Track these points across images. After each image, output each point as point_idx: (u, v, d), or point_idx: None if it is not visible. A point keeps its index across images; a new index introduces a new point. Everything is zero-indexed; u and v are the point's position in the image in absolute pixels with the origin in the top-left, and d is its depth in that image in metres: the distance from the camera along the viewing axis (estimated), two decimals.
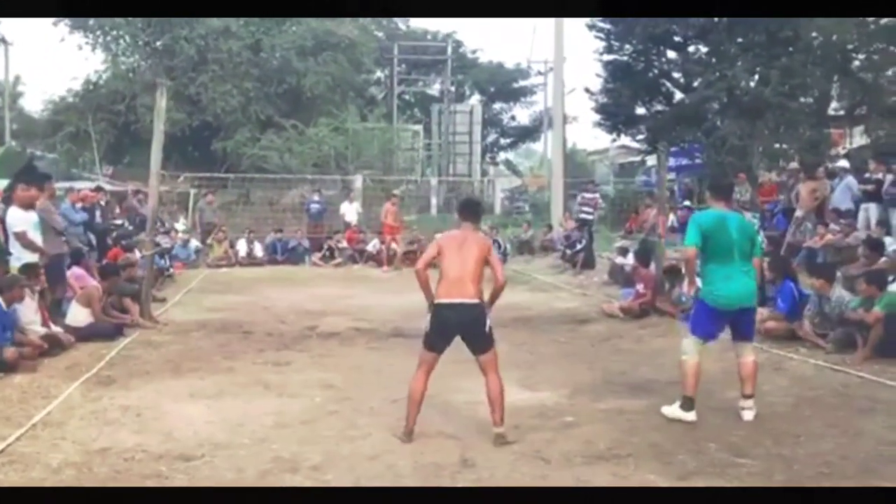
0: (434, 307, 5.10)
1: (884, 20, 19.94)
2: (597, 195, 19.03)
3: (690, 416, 5.44)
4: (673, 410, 5.51)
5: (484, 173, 33.18)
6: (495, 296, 5.18)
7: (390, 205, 17.76)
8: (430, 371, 5.15)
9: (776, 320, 8.23)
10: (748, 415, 5.51)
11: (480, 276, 5.11)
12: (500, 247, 18.33)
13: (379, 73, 34.10)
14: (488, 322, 5.07)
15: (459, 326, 5.04)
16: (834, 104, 22.68)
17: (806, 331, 7.90)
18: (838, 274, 8.52)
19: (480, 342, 5.07)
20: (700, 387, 6.11)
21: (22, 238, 8.15)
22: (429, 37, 35.12)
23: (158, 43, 24.11)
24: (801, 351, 7.65)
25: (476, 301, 5.04)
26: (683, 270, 8.25)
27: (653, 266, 10.71)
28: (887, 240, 10.64)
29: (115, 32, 24.53)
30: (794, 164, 16.63)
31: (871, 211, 12.24)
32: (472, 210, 5.49)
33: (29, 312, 7.57)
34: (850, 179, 13.00)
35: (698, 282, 5.67)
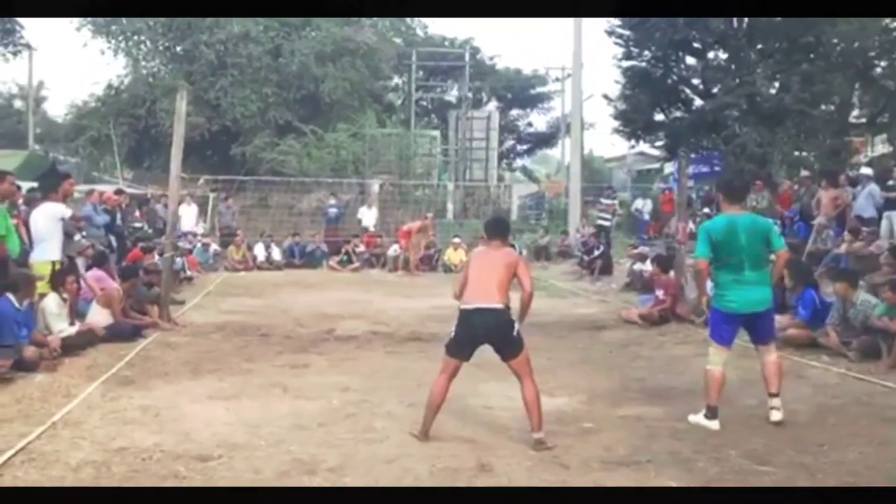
0: (460, 313, 5.08)
1: None
2: (615, 201, 18.99)
3: (714, 424, 5.40)
4: (698, 419, 5.49)
5: (500, 179, 33.13)
6: (524, 306, 5.15)
7: (421, 223, 18.06)
8: (453, 377, 5.12)
9: (798, 328, 8.14)
10: (776, 415, 5.47)
11: (507, 285, 5.08)
12: (517, 252, 18.32)
13: (397, 80, 34.18)
14: (516, 326, 5.04)
15: (486, 332, 5.00)
16: (855, 112, 22.47)
17: (832, 339, 7.75)
18: (861, 281, 8.41)
19: (509, 347, 5.03)
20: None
21: (70, 222, 8.60)
22: (446, 43, 35.15)
23: (179, 48, 24.34)
24: (823, 359, 7.55)
25: (502, 306, 5.00)
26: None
27: (672, 273, 10.63)
28: None
29: (136, 38, 24.80)
30: (805, 172, 16.51)
31: (893, 219, 12.09)
32: (499, 228, 5.50)
33: (55, 311, 7.67)
34: (873, 187, 12.84)
35: (709, 291, 5.67)
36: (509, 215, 26.42)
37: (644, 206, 21.59)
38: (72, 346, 7.52)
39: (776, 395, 5.52)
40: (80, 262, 9.37)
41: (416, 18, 27.38)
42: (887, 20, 19.42)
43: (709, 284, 5.81)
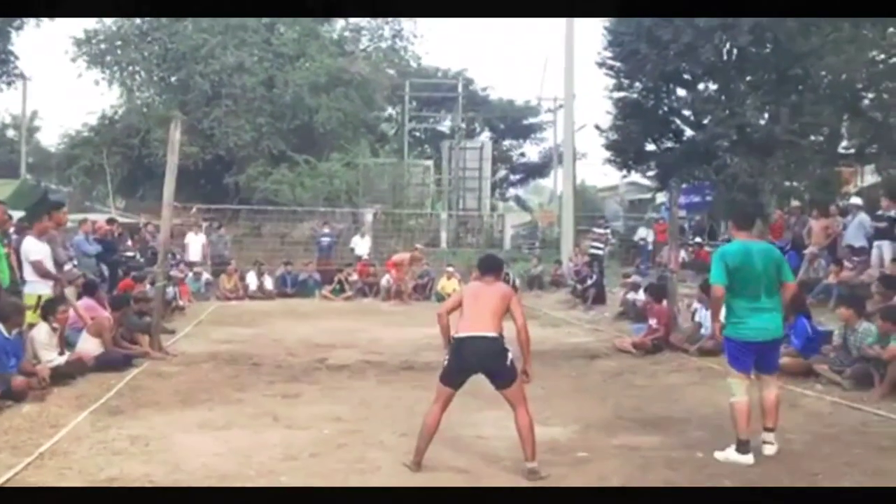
0: (453, 341, 5.07)
1: (893, 59, 20.08)
2: (607, 231, 19.07)
3: (747, 458, 5.22)
4: (728, 455, 5.31)
5: (493, 208, 33.26)
6: (522, 342, 5.10)
7: (410, 255, 18.08)
8: (446, 406, 5.09)
9: (791, 357, 8.13)
10: (769, 449, 5.41)
11: (501, 316, 5.09)
12: (510, 281, 18.31)
13: (390, 110, 34.43)
14: (510, 356, 5.01)
15: (478, 361, 4.98)
16: (844, 142, 22.70)
17: (823, 367, 7.78)
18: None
19: (502, 376, 5.00)
20: (712, 423, 6.04)
21: (39, 267, 8.22)
22: (440, 74, 35.49)
23: (173, 78, 24.53)
24: (817, 388, 7.54)
25: (495, 335, 4.99)
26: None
27: (665, 302, 10.63)
28: None
29: (131, 68, 24.98)
30: (795, 203, 16.64)
31: (884, 248, 12.16)
32: (492, 264, 5.53)
33: (45, 341, 7.60)
34: (864, 217, 12.93)
35: (723, 318, 5.58)
36: (502, 244, 26.49)
37: (647, 235, 21.64)
38: (61, 376, 7.44)
39: (772, 430, 5.47)
40: (71, 292, 9.31)
41: (409, 48, 27.60)
42: (874, 52, 19.72)
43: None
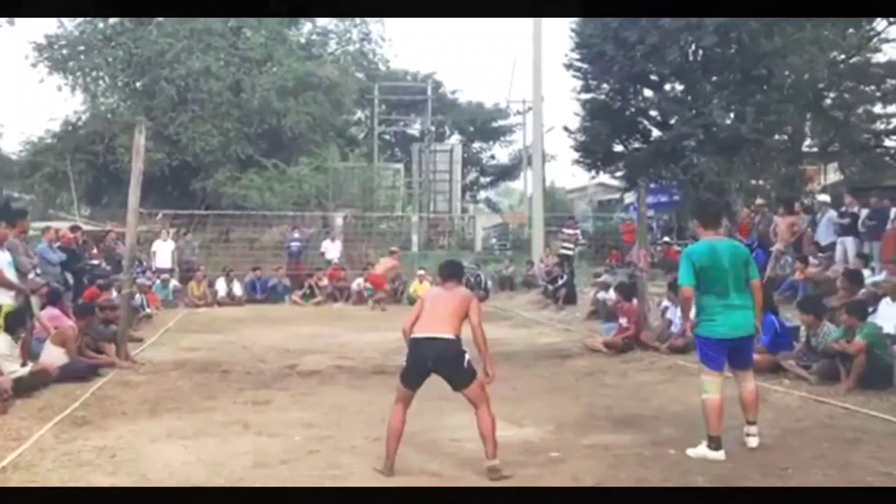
0: (410, 342, 5.11)
1: (852, 59, 20.51)
2: (577, 231, 19.18)
3: (719, 455, 5.26)
4: (699, 451, 5.35)
5: (464, 210, 33.32)
6: (478, 341, 5.08)
7: (391, 263, 17.63)
8: (407, 406, 5.12)
9: (759, 353, 8.20)
10: (753, 441, 5.49)
11: (459, 319, 5.09)
12: (481, 282, 18.36)
13: (360, 114, 34.30)
14: (467, 357, 5.02)
15: (434, 362, 4.99)
16: (808, 141, 23.12)
17: (790, 363, 7.90)
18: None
19: (459, 377, 5.01)
20: (684, 420, 6.08)
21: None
22: (409, 77, 35.48)
23: (138, 84, 24.14)
24: (785, 383, 7.64)
25: (451, 336, 5.00)
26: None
27: (635, 300, 10.71)
28: (865, 272, 10.74)
29: (94, 73, 24.55)
30: (760, 200, 16.88)
31: (847, 244, 12.39)
32: (453, 270, 5.54)
33: (6, 352, 7.42)
34: (832, 213, 13.15)
35: (693, 317, 5.60)
36: (474, 246, 26.52)
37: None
38: (24, 388, 7.26)
39: (754, 423, 5.54)
40: (35, 301, 9.11)
41: (376, 50, 27.49)
42: (834, 53, 20.12)
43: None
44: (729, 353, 5.51)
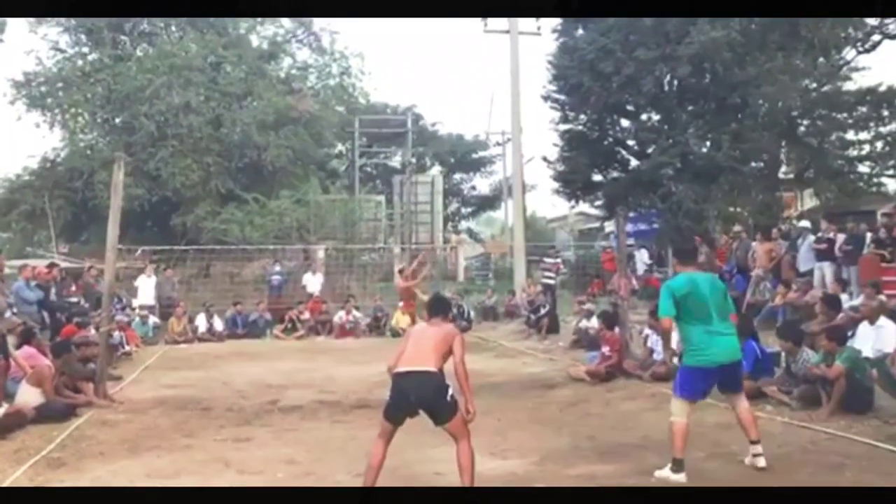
0: (393, 377, 5.07)
1: (824, 88, 20.93)
2: (558, 260, 19.26)
3: (680, 477, 5.35)
4: (664, 474, 5.42)
5: (446, 241, 33.39)
6: (460, 377, 5.09)
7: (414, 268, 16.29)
8: (389, 441, 5.07)
9: None
10: (761, 462, 5.56)
11: (442, 354, 5.08)
12: (464, 313, 18.34)
13: (340, 146, 34.42)
14: (450, 391, 4.99)
15: (417, 396, 4.94)
16: (784, 168, 23.45)
17: (772, 388, 7.94)
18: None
19: (441, 411, 4.97)
20: (667, 448, 6.07)
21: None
22: (389, 110, 35.73)
23: (118, 120, 24.11)
24: (767, 409, 7.65)
25: (433, 370, 4.97)
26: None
27: (617, 329, 10.73)
28: (843, 297, 10.85)
29: (73, 110, 24.50)
30: (738, 227, 17.05)
31: (825, 269, 12.53)
32: (439, 306, 5.61)
33: None
34: (812, 239, 13.30)
35: (675, 346, 5.71)
36: (456, 276, 26.52)
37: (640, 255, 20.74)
38: None
39: (757, 442, 5.61)
40: (10, 341, 8.97)
41: (356, 83, 27.65)
42: (806, 81, 20.52)
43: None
44: (720, 380, 5.61)
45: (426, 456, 6.05)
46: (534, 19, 21.91)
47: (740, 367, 5.85)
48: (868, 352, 8.14)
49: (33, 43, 42.63)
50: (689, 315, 5.52)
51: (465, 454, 4.95)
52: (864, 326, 8.83)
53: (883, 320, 8.77)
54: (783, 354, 8.24)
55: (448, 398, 4.97)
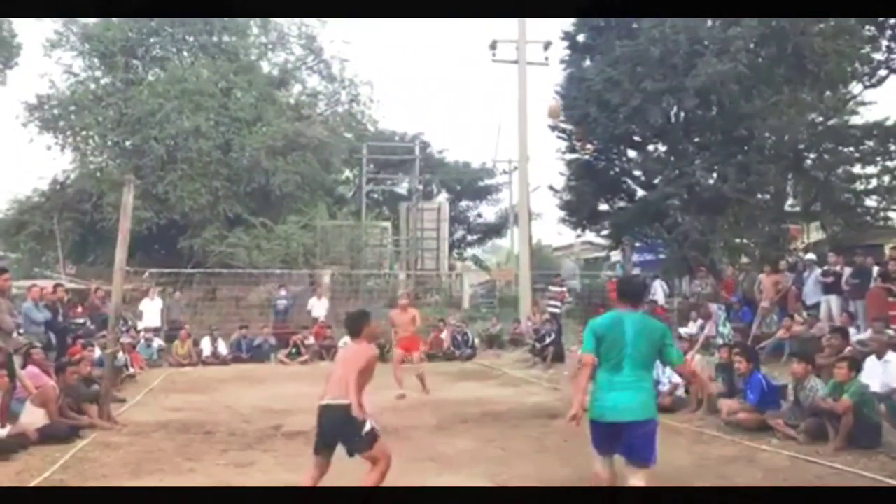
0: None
1: (830, 121, 21.02)
2: (564, 289, 19.22)
3: None
4: None
5: (452, 268, 33.40)
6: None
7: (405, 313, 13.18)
8: (320, 475, 4.98)
9: (747, 412, 8.20)
10: None
11: (357, 379, 4.94)
12: (468, 340, 18.30)
13: (348, 173, 34.60)
14: (367, 426, 4.85)
15: (331, 430, 4.85)
16: (790, 200, 23.45)
17: (778, 422, 7.88)
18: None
19: (355, 447, 4.86)
20: (671, 480, 6.04)
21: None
22: (397, 138, 35.97)
23: (128, 143, 24.31)
24: (773, 442, 7.59)
25: (343, 401, 4.83)
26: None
27: None
28: (850, 330, 10.81)
29: (84, 133, 24.73)
30: (745, 259, 17.04)
31: (832, 302, 12.50)
32: (356, 323, 5.45)
33: None
34: (818, 272, 13.29)
35: (585, 394, 4.84)
36: (461, 304, 26.50)
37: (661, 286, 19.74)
38: (1, 450, 7.12)
39: None
40: (17, 360, 8.99)
41: (365, 111, 27.87)
42: (813, 115, 20.60)
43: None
44: (619, 443, 4.72)
45: (428, 483, 6.01)
46: (542, 46, 22.34)
47: (644, 432, 4.69)
48: (876, 386, 8.09)
49: (47, 66, 43.12)
50: (602, 358, 4.80)
51: (374, 477, 4.87)
52: (871, 361, 8.78)
53: (890, 355, 8.72)
54: (790, 386, 8.19)
55: (363, 433, 4.82)
